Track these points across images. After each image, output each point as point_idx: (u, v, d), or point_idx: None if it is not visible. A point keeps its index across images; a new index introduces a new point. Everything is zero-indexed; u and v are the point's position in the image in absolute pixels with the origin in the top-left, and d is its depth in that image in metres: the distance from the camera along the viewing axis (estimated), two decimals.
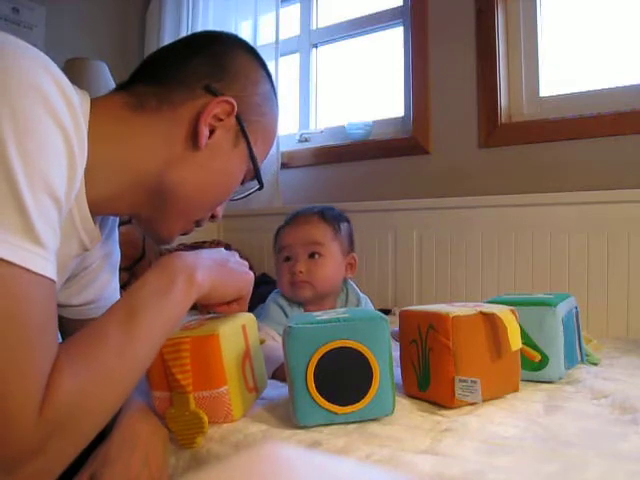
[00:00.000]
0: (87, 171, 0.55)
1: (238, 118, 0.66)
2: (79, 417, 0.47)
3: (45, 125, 0.47)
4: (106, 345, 0.50)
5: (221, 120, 0.65)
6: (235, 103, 0.65)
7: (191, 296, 0.59)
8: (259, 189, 0.75)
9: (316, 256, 1.01)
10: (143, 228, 0.71)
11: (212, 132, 0.65)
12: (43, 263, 0.46)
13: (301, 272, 0.99)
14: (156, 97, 0.63)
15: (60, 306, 0.72)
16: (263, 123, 0.71)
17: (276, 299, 1.04)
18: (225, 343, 0.65)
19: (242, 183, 0.72)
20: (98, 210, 0.63)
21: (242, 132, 0.67)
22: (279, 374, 0.81)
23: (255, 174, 0.71)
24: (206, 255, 0.65)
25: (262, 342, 0.77)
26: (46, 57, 0.51)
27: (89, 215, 0.61)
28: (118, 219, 0.79)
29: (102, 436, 0.57)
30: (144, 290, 0.56)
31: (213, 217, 0.74)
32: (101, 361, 0.49)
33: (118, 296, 0.81)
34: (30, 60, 0.48)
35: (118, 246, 0.81)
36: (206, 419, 0.63)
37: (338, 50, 2.16)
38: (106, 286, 0.78)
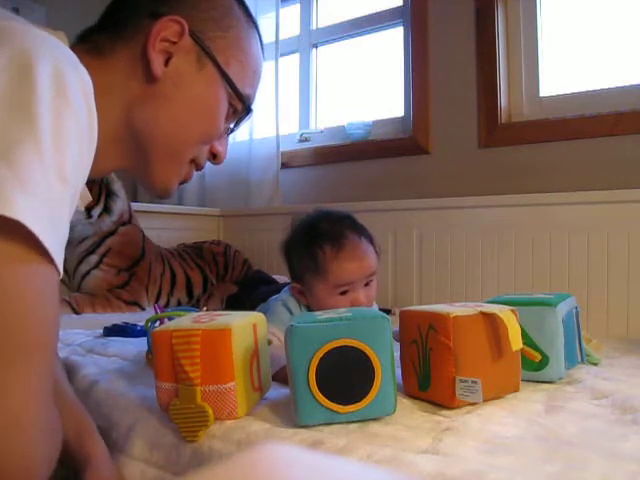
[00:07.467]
0: None
1: (194, 37, 0.60)
2: None
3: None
4: None
5: (174, 43, 0.59)
6: (184, 20, 0.59)
7: None
8: (246, 114, 0.67)
9: (370, 283, 0.98)
10: (139, 182, 0.66)
11: (169, 59, 0.60)
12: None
13: (362, 303, 0.97)
14: (109, 38, 0.60)
15: None
16: (230, 38, 0.64)
17: (285, 300, 1.02)
18: (236, 339, 0.65)
19: (234, 113, 0.67)
20: None
21: (203, 51, 0.61)
22: (278, 377, 0.80)
23: (237, 97, 0.65)
24: None
25: (269, 343, 0.77)
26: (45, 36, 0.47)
27: None
28: None
29: None
30: None
31: (215, 157, 0.68)
32: None
33: None
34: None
35: None
36: (212, 413, 0.63)
37: (338, 50, 2.15)
38: None
